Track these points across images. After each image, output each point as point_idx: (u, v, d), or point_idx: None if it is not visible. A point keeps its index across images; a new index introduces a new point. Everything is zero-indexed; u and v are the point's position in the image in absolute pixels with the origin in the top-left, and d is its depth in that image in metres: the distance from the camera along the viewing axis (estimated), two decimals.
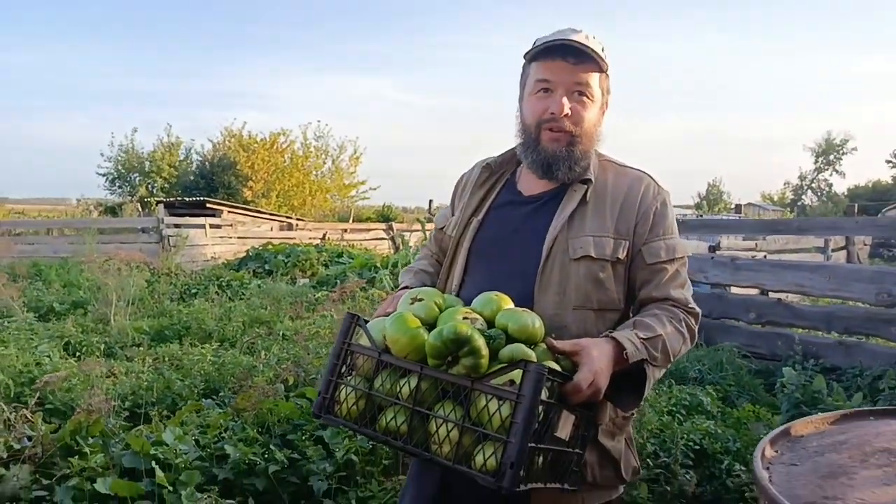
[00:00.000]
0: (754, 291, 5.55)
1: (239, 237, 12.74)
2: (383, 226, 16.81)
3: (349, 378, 1.24)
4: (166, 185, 22.62)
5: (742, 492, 2.63)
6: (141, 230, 11.73)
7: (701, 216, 21.71)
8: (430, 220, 8.61)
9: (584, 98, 1.37)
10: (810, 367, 4.20)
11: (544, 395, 1.09)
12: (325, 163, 24.95)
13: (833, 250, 10.82)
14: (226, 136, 23.65)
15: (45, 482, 2.22)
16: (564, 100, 1.35)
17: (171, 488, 2.20)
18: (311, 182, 23.90)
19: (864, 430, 1.13)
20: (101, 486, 2.14)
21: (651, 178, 1.45)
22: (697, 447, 2.82)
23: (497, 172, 1.53)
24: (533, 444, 1.08)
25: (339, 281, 7.99)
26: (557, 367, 1.18)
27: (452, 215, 1.56)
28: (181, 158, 23.97)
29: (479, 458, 1.07)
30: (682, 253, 1.41)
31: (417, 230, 11.62)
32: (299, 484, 2.49)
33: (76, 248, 9.90)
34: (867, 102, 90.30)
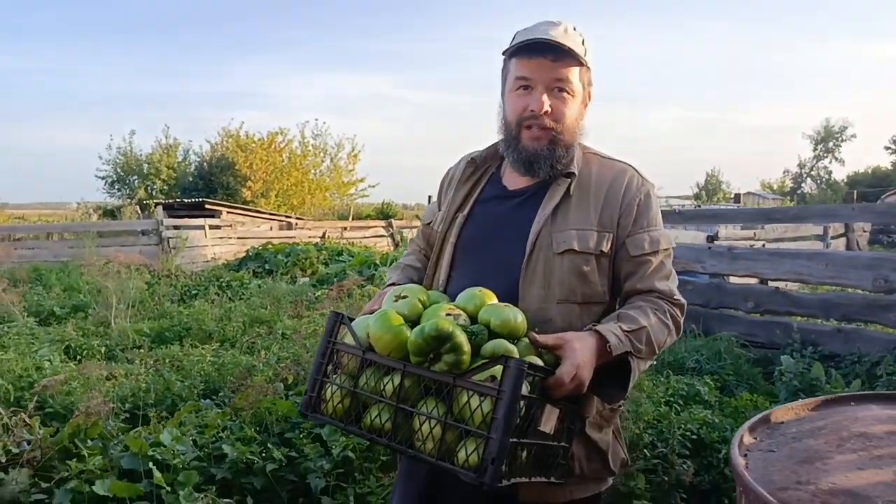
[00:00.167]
0: (752, 280, 5.55)
1: (238, 237, 12.75)
2: (383, 223, 16.83)
3: (335, 376, 1.25)
4: (165, 187, 22.62)
5: None
6: (141, 232, 11.74)
7: (699, 206, 21.68)
8: None
9: (565, 94, 1.37)
10: (808, 355, 4.21)
11: (526, 389, 1.09)
12: (323, 161, 24.97)
13: (832, 237, 10.80)
14: (223, 136, 23.66)
15: (44, 485, 2.22)
16: (544, 97, 1.36)
17: (169, 489, 2.21)
18: (310, 181, 23.90)
19: (844, 415, 1.14)
20: (100, 488, 2.16)
21: (635, 169, 1.46)
22: (695, 437, 2.83)
23: (482, 167, 1.53)
24: (515, 440, 1.09)
25: (338, 279, 8.00)
26: (540, 362, 1.18)
27: (439, 210, 1.57)
28: (179, 160, 23.96)
29: (462, 455, 1.08)
30: (666, 244, 1.41)
31: (417, 226, 11.61)
32: (297, 482, 2.50)
33: (76, 252, 9.92)
34: (866, 89, 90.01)
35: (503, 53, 1.42)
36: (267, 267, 10.19)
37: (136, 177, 23.17)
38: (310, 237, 13.71)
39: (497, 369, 1.09)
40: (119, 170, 23.23)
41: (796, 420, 1.21)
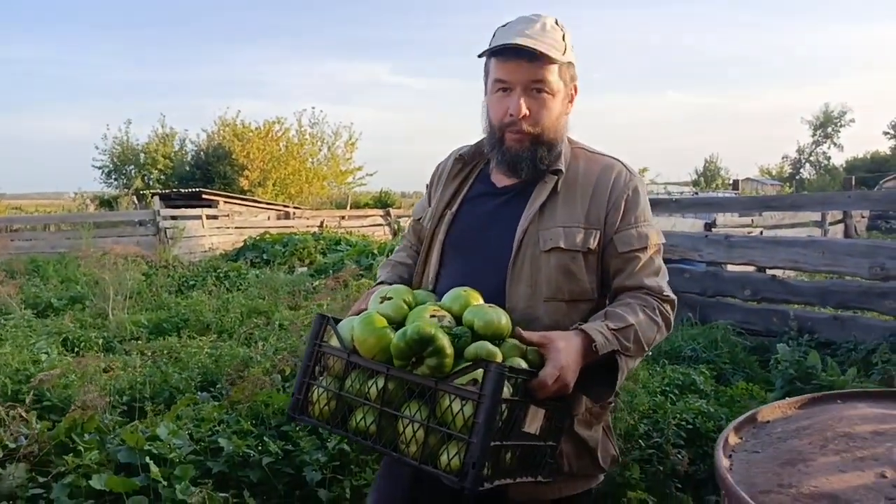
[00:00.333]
0: (749, 268, 5.55)
1: (236, 227, 12.73)
2: (381, 212, 16.80)
3: (322, 379, 1.25)
4: (162, 177, 22.54)
5: None
6: (138, 223, 11.73)
7: (697, 192, 21.63)
8: None
9: (544, 94, 1.35)
10: (805, 343, 4.22)
11: (508, 392, 1.09)
12: (320, 150, 24.86)
13: (830, 224, 10.80)
14: (220, 125, 23.55)
15: (41, 480, 2.23)
16: (522, 101, 1.34)
17: (165, 483, 2.22)
18: (308, 170, 23.80)
19: (829, 414, 1.14)
20: (97, 482, 2.16)
21: (623, 164, 1.44)
22: (690, 426, 2.84)
23: (470, 164, 1.52)
24: (498, 442, 1.09)
25: (336, 269, 8.00)
26: (524, 364, 1.18)
27: (429, 206, 1.56)
28: (176, 149, 23.87)
29: (444, 458, 1.08)
30: (655, 240, 1.40)
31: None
32: (293, 474, 2.51)
33: (73, 243, 9.91)
34: (865, 74, 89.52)
35: (479, 56, 1.40)
36: (265, 257, 10.19)
37: (132, 166, 23.09)
38: (307, 226, 13.70)
39: (479, 372, 1.08)
40: (116, 160, 23.15)
41: (783, 419, 1.21)
